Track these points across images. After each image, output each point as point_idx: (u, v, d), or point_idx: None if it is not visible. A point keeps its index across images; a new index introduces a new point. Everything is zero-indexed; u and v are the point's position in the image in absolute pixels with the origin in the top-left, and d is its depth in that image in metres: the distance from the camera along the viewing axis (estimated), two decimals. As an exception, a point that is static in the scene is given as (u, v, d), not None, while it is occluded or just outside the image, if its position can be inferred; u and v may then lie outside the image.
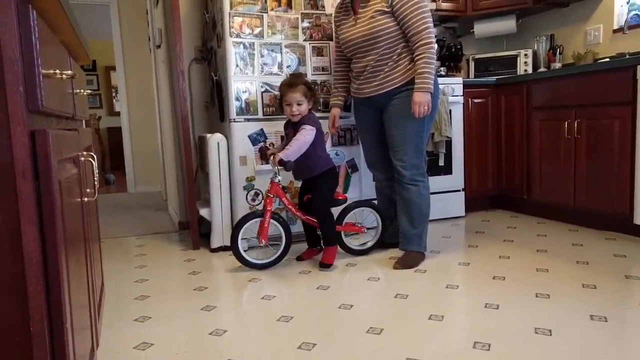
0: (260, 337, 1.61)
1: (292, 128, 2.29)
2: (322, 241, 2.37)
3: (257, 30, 2.55)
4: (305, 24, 2.64)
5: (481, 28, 3.72)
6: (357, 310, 1.80)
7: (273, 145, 2.58)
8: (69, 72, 0.87)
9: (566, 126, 2.84)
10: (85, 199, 1.17)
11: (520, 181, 3.26)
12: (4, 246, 0.74)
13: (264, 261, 2.31)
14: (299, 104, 2.21)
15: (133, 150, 5.37)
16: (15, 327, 0.76)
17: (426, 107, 2.19)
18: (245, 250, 2.30)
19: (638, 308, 1.71)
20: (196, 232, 2.74)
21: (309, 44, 2.66)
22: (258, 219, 2.27)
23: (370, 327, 1.64)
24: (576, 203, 2.85)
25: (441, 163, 3.16)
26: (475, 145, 3.35)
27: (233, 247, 2.26)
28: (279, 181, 2.26)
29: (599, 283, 1.96)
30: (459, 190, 3.26)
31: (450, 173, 3.21)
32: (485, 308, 1.76)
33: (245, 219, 2.28)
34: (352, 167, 2.80)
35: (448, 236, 2.83)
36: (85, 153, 1.22)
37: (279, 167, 2.18)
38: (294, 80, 2.23)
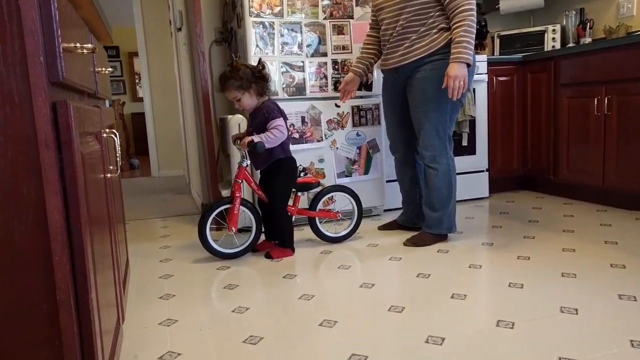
0: (281, 315, 1.62)
1: (251, 117, 2.21)
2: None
3: (276, 9, 2.52)
4: (326, 2, 2.60)
5: (507, 3, 3.60)
6: (378, 289, 1.79)
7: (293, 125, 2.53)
8: (89, 45, 0.87)
9: (595, 103, 2.75)
10: (108, 175, 1.19)
11: (546, 161, 3.17)
12: (28, 217, 0.75)
13: (233, 250, 2.21)
14: (238, 100, 2.13)
15: (156, 135, 5.44)
16: (42, 295, 0.77)
17: (462, 82, 1.99)
18: (215, 240, 2.20)
19: (670, 288, 1.66)
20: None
21: (329, 22, 2.62)
22: (227, 206, 2.18)
23: (392, 306, 1.63)
24: (605, 183, 2.76)
25: (464, 143, 3.11)
26: (500, 125, 3.27)
27: (201, 236, 2.14)
28: (247, 166, 2.19)
29: (628, 263, 1.90)
30: (482, 171, 3.20)
31: (474, 153, 3.15)
32: (509, 287, 1.74)
33: (214, 206, 2.19)
34: (374, 147, 2.77)
35: (471, 217, 2.79)
36: (107, 130, 1.23)
37: (246, 150, 2.10)
38: (221, 83, 2.13)
